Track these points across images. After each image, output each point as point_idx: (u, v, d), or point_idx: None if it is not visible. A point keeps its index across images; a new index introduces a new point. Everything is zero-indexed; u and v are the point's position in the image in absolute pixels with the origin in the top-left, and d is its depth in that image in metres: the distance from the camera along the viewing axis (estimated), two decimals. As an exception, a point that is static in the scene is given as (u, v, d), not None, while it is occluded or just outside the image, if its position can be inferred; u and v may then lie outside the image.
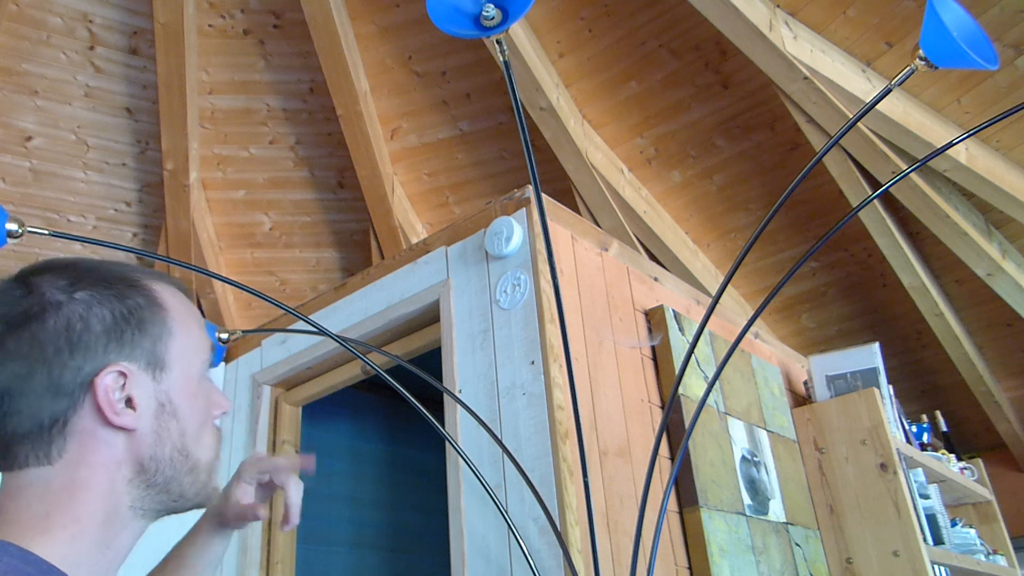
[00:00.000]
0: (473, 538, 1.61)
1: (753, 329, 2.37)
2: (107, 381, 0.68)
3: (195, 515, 0.86)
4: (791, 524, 2.05)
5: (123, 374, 0.69)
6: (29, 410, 0.66)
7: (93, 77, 3.70)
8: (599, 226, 3.40)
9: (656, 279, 2.15)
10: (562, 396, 1.58)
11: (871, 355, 2.38)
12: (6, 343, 0.67)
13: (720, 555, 1.69)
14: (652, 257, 3.74)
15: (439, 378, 1.74)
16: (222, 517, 1.00)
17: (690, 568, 1.69)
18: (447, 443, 1.69)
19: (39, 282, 0.69)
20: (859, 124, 3.03)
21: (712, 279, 3.88)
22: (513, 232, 1.74)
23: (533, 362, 1.63)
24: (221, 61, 3.72)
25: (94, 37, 3.59)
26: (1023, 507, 3.92)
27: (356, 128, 3.69)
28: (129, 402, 0.69)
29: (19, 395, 0.66)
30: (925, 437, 2.85)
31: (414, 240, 3.92)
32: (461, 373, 1.77)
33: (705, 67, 3.31)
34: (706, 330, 1.97)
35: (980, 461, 3.14)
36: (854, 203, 3.29)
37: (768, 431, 2.17)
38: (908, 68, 1.13)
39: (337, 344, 1.88)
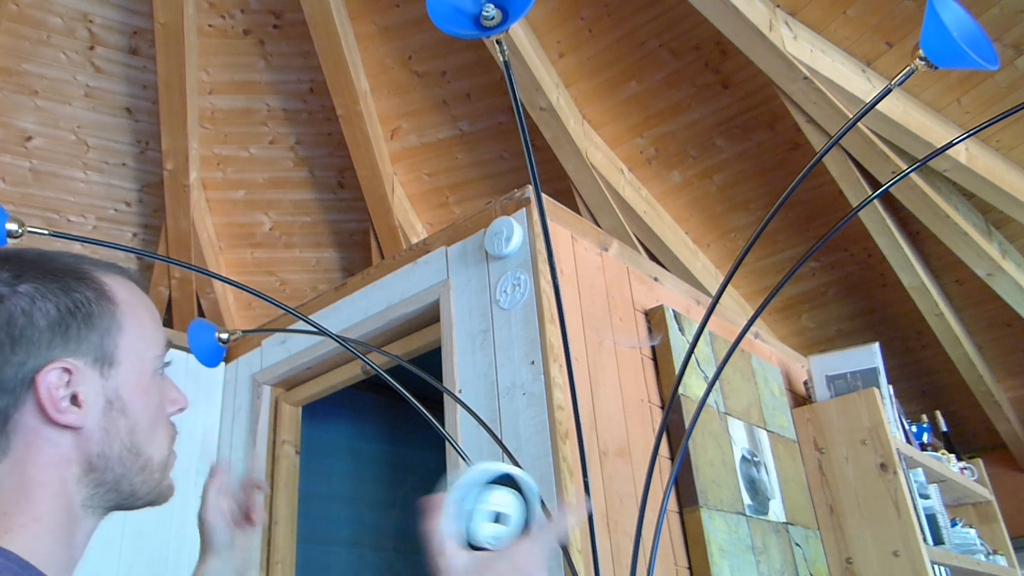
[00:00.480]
0: (473, 538, 1.60)
1: (753, 329, 2.37)
2: (50, 378, 0.65)
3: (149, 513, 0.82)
4: (791, 524, 2.05)
5: (67, 371, 0.66)
6: None
7: (93, 77, 3.70)
8: (599, 226, 3.40)
9: (656, 279, 2.15)
10: (562, 396, 1.58)
11: (871, 355, 2.38)
12: None
13: (720, 555, 1.69)
14: (652, 257, 3.74)
15: (439, 378, 1.74)
16: (216, 550, 0.97)
17: (690, 568, 1.69)
18: (447, 443, 1.69)
19: None
20: (859, 124, 3.03)
21: (712, 279, 3.88)
22: (513, 232, 1.74)
23: (533, 362, 1.63)
24: (221, 61, 3.71)
25: (94, 37, 3.59)
26: (1023, 507, 3.92)
27: (356, 128, 3.69)
28: (75, 399, 0.67)
29: None
30: (925, 437, 2.85)
31: (414, 240, 3.92)
32: (461, 373, 1.77)
33: (705, 67, 3.31)
34: (706, 330, 1.97)
35: (980, 461, 3.14)
36: (854, 203, 3.29)
37: (768, 431, 2.17)
38: (908, 68, 1.13)
39: (337, 344, 1.88)
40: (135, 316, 0.73)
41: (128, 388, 0.70)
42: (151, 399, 0.72)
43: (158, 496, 0.74)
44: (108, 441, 0.68)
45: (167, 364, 0.76)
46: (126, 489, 0.70)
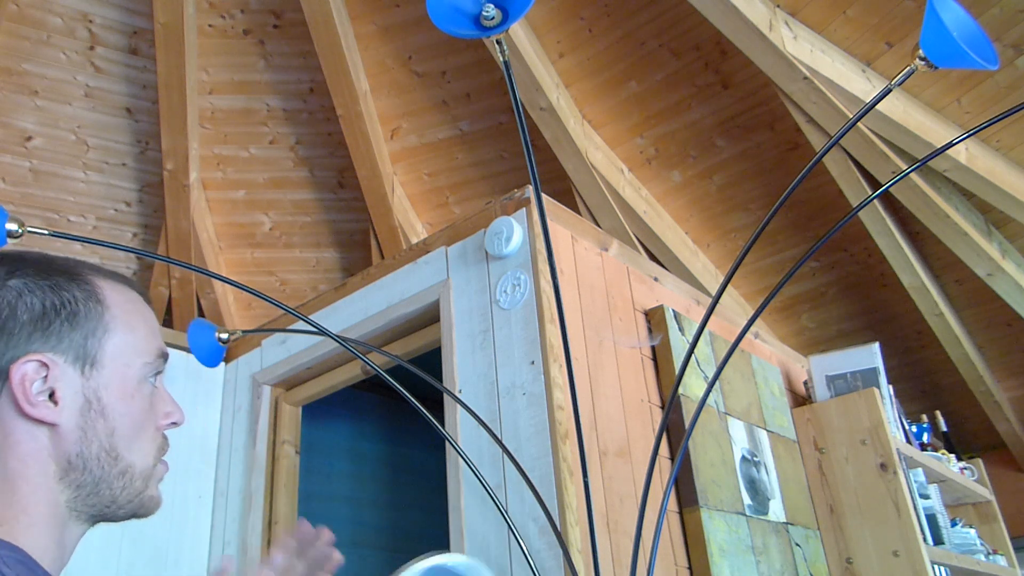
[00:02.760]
0: (473, 538, 1.61)
1: (753, 329, 2.37)
2: (24, 370, 0.66)
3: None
4: (791, 524, 2.05)
5: (44, 364, 0.67)
6: None
7: (93, 77, 3.70)
8: (599, 226, 3.40)
9: (656, 279, 2.15)
10: (562, 396, 1.58)
11: (871, 355, 2.38)
12: None
13: (720, 555, 1.69)
14: (652, 257, 3.74)
15: (439, 378, 1.74)
16: None
17: (690, 568, 1.69)
18: (447, 443, 1.69)
19: None
20: (859, 124, 3.02)
21: (712, 279, 3.88)
22: (513, 232, 1.74)
23: (533, 362, 1.63)
24: (221, 61, 3.71)
25: (94, 37, 3.59)
26: (1023, 507, 3.92)
27: (356, 128, 3.69)
28: (52, 395, 0.67)
29: None
30: (925, 437, 2.85)
31: (414, 240, 3.92)
32: (461, 373, 1.77)
33: (705, 67, 3.31)
34: (706, 330, 1.97)
35: (980, 461, 3.14)
36: (854, 203, 3.29)
37: (768, 431, 2.17)
38: (908, 68, 1.13)
39: (337, 344, 1.88)
40: (126, 322, 0.73)
41: (109, 391, 0.70)
42: (135, 405, 0.72)
43: (140, 506, 0.73)
44: (86, 441, 0.69)
45: (158, 373, 0.76)
46: (106, 494, 0.70)
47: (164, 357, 0.77)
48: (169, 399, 0.77)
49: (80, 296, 0.71)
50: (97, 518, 0.71)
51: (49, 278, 0.70)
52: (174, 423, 0.76)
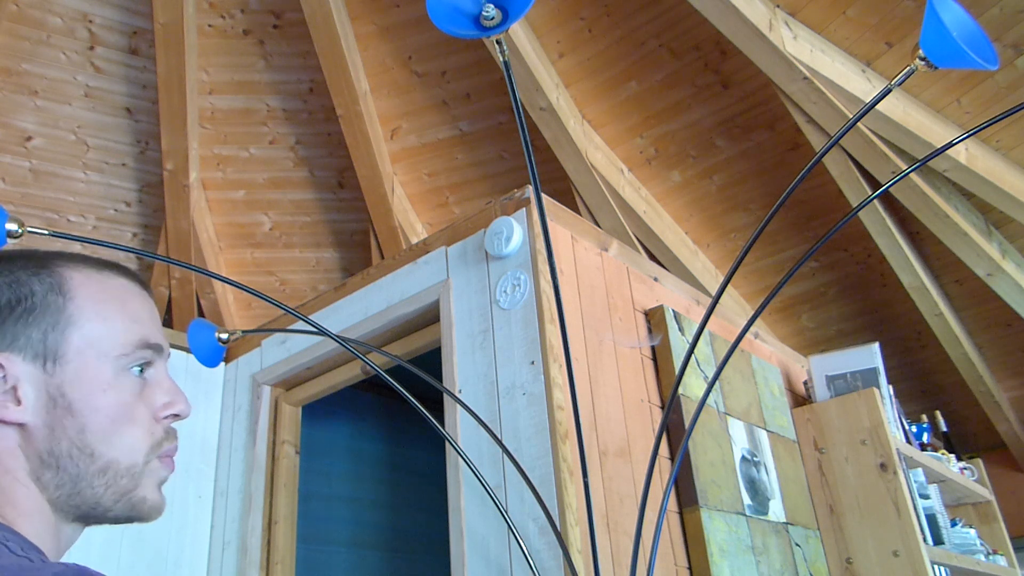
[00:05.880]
0: (473, 538, 1.61)
1: (753, 329, 2.37)
2: None
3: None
4: (791, 524, 2.05)
5: (0, 365, 0.66)
6: None
7: (93, 77, 3.70)
8: (599, 226, 3.40)
9: (656, 279, 2.15)
10: (562, 396, 1.58)
11: (871, 355, 2.38)
12: None
13: (720, 555, 1.69)
14: (652, 257, 3.74)
15: (439, 378, 1.74)
16: None
17: (690, 568, 1.69)
18: (447, 443, 1.69)
19: None
20: (859, 124, 3.02)
21: (712, 279, 3.88)
22: (513, 232, 1.74)
23: (533, 362, 1.63)
24: (221, 61, 3.72)
25: (94, 37, 3.59)
26: (1023, 507, 3.92)
27: (356, 128, 3.69)
28: (14, 393, 0.66)
29: None
30: (925, 437, 2.85)
31: (414, 240, 3.92)
32: (461, 373, 1.77)
33: (705, 67, 3.31)
34: (706, 330, 1.97)
35: (980, 461, 3.14)
36: (854, 203, 3.29)
37: (768, 431, 2.17)
38: (908, 68, 1.13)
39: (337, 344, 1.88)
40: (97, 312, 0.70)
41: (76, 386, 0.68)
42: (112, 398, 0.69)
43: (131, 508, 0.70)
44: (54, 439, 0.66)
45: (146, 364, 0.72)
46: (88, 494, 0.67)
47: (150, 347, 0.72)
48: (170, 389, 0.73)
49: (39, 290, 0.68)
50: (87, 519, 0.69)
51: (10, 274, 0.68)
52: (176, 414, 0.73)
